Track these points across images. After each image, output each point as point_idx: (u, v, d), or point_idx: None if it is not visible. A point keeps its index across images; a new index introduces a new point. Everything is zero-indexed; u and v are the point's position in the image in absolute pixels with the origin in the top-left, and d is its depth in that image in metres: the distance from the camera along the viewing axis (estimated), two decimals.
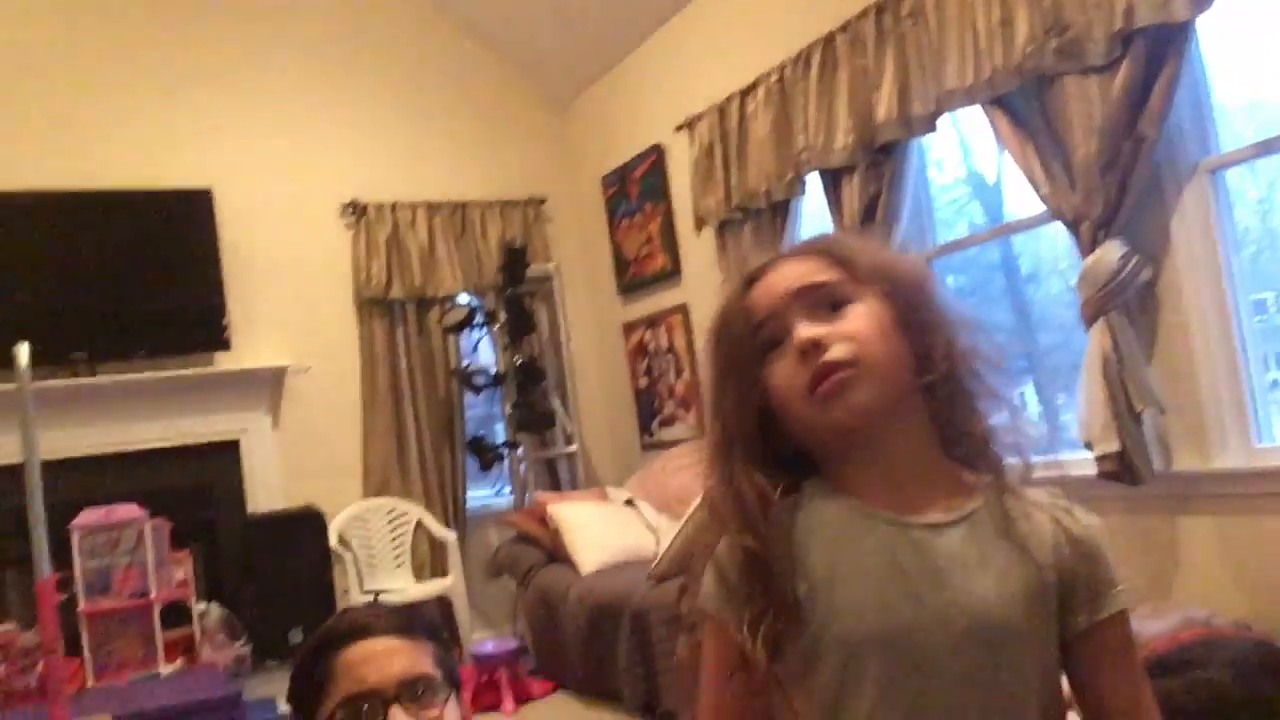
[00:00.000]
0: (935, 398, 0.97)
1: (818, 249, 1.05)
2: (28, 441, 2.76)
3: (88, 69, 4.80)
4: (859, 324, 0.96)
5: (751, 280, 1.05)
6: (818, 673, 0.93)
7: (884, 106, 3.50)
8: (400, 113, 5.50)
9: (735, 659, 0.97)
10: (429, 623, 1.20)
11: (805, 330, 0.96)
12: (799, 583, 0.94)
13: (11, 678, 3.97)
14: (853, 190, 3.69)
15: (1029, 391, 3.89)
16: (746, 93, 4.22)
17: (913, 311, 0.98)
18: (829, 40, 3.75)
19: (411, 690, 1.11)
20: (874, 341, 0.94)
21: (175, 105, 4.94)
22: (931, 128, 3.41)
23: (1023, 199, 3.40)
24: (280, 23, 5.25)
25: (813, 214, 4.25)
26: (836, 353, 0.94)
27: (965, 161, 4.15)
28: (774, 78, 4.05)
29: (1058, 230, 3.12)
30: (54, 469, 2.95)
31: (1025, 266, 4.07)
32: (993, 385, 0.99)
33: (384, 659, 1.12)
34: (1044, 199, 3.02)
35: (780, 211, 4.17)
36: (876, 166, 3.61)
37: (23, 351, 2.73)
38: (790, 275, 1.02)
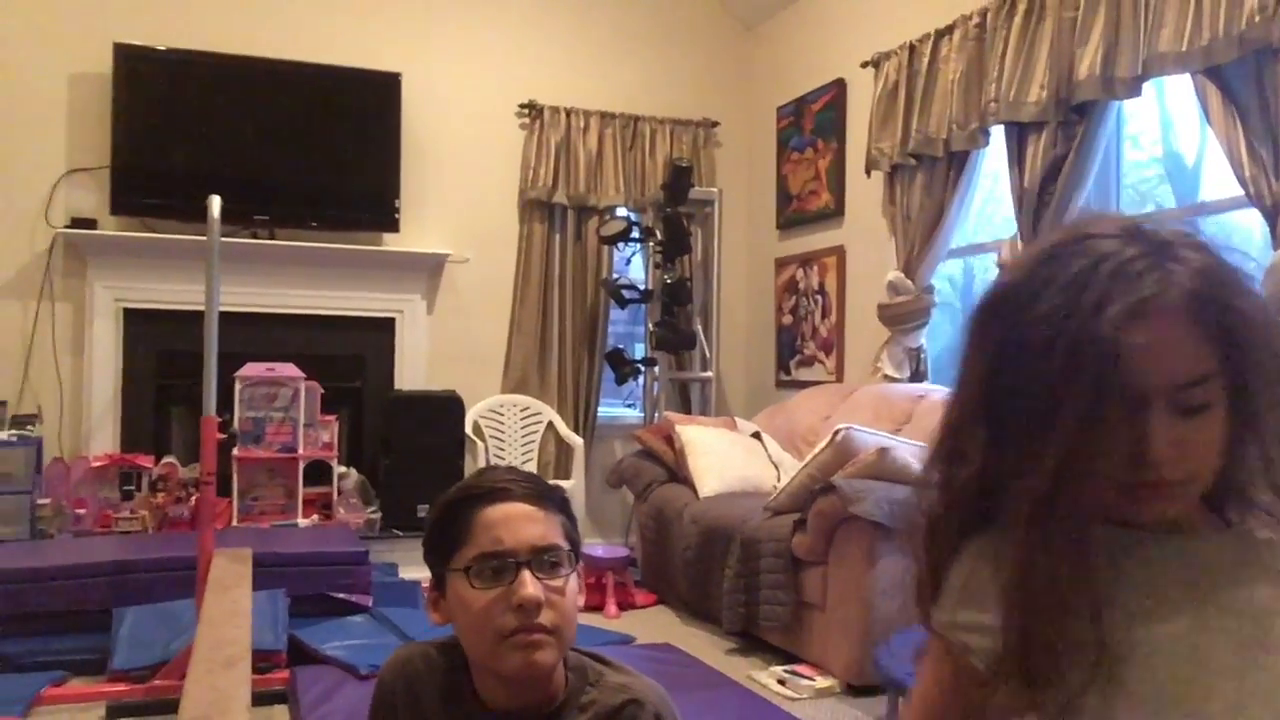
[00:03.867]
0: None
1: (1198, 312, 0.80)
2: (210, 289, 2.96)
3: None
4: (1210, 434, 0.81)
5: (1114, 311, 0.78)
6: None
7: (1086, 63, 3.30)
8: (586, 19, 5.52)
9: (968, 686, 0.89)
10: (561, 497, 1.24)
11: (1169, 432, 0.79)
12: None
13: (167, 505, 4.33)
14: (1039, 148, 3.52)
15: None
16: (942, 34, 4.06)
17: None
18: None
19: (541, 557, 1.16)
20: (1210, 457, 0.82)
21: None
22: (1135, 92, 3.20)
23: (1220, 185, 3.18)
24: None
25: (990, 171, 4.09)
26: (1171, 473, 0.80)
27: (1164, 140, 3.89)
28: (974, 21, 3.87)
29: (1254, 220, 2.91)
30: (226, 320, 3.15)
31: None
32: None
33: (520, 523, 1.17)
34: (1243, 181, 2.82)
35: (956, 163, 4.02)
36: (1068, 126, 3.43)
37: (214, 204, 2.92)
38: (1171, 354, 0.79)
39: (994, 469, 0.85)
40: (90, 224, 4.57)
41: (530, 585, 1.13)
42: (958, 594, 0.89)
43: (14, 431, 4.25)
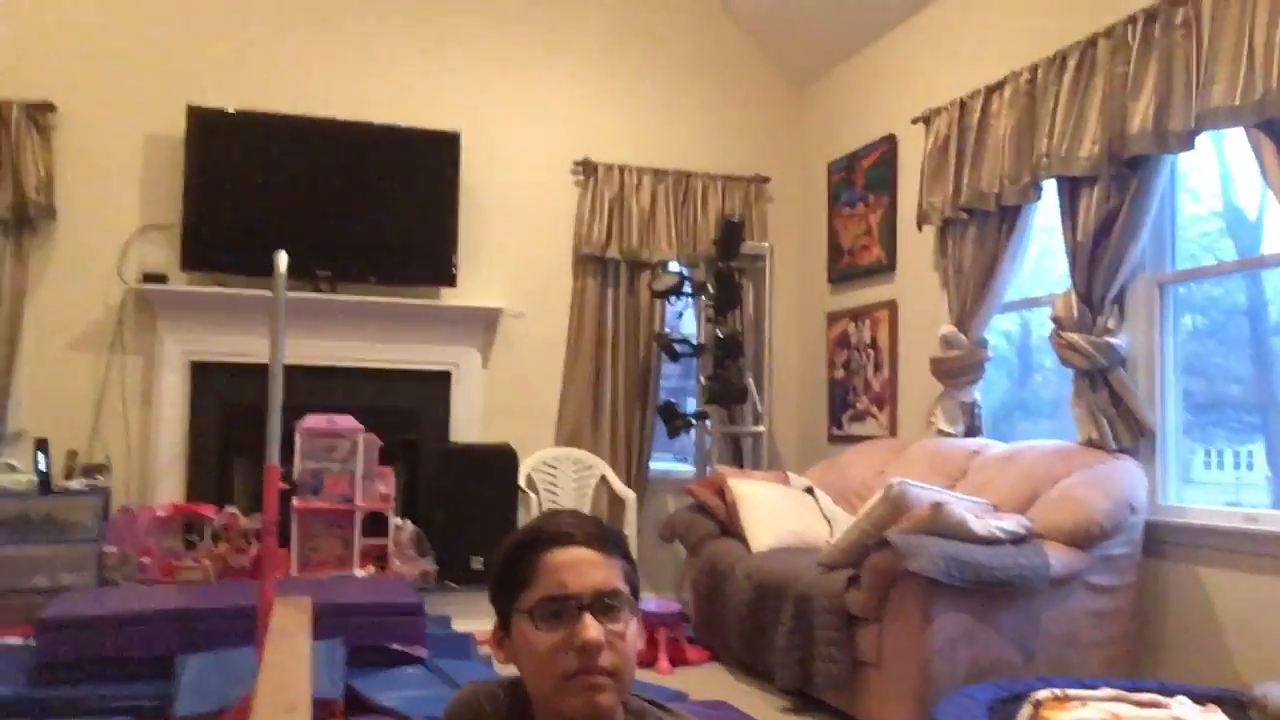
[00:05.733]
0: None
1: None
2: (275, 341, 3.04)
3: (366, 15, 5.19)
4: None
5: None
6: None
7: (1139, 118, 3.31)
8: (640, 79, 5.65)
9: None
10: (623, 542, 1.27)
11: None
12: None
13: (229, 555, 4.42)
14: (1091, 202, 3.52)
15: (1258, 450, 3.60)
16: (993, 90, 4.09)
17: None
18: (1090, 43, 3.57)
19: (603, 601, 1.19)
20: None
21: (436, 55, 5.29)
22: (1188, 145, 3.20)
23: None
24: None
25: (1042, 225, 4.08)
26: None
27: (1224, 192, 3.86)
28: (1024, 77, 3.90)
29: None
30: (288, 372, 3.22)
31: (1276, 314, 3.74)
32: None
33: (583, 568, 1.19)
34: None
35: (1009, 217, 4.03)
36: (1122, 180, 3.43)
37: (281, 259, 3.01)
38: None
39: None
40: (161, 279, 4.74)
41: (592, 628, 1.16)
42: None
43: (84, 481, 4.38)
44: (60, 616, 3.33)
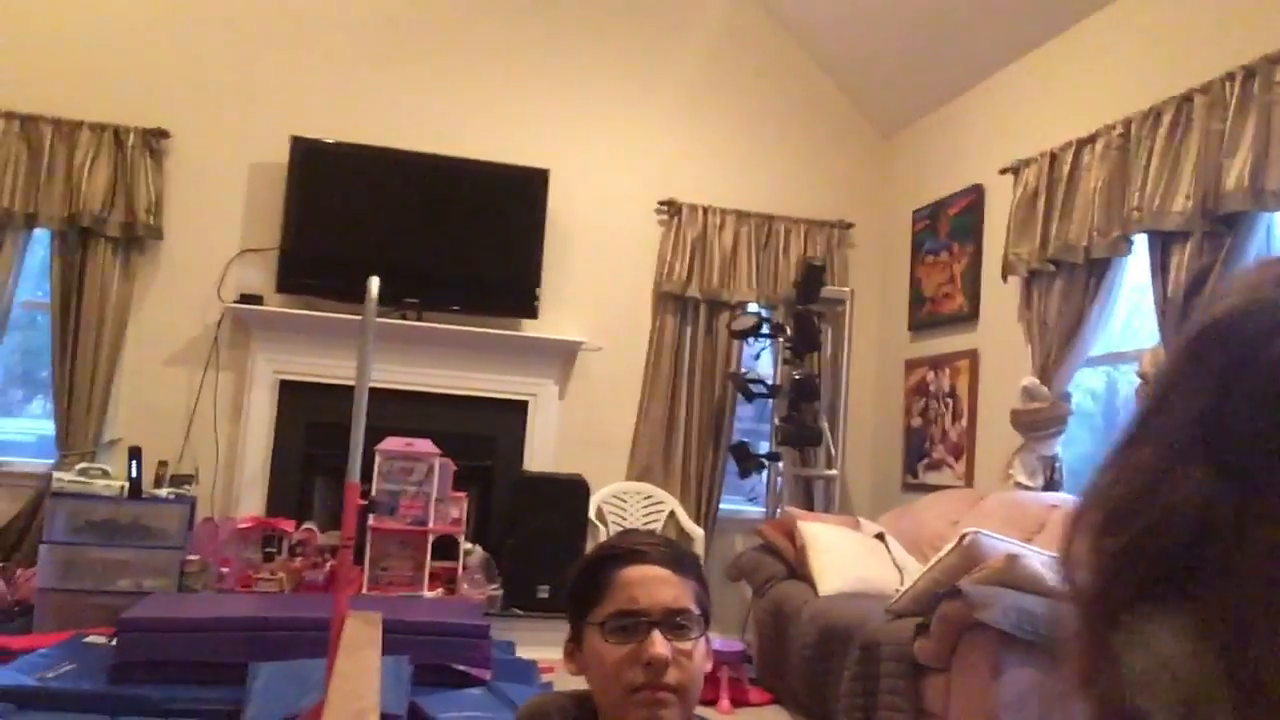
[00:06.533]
0: None
1: None
2: (363, 363, 3.14)
3: (464, 55, 5.37)
4: None
5: None
6: None
7: (1234, 175, 3.25)
8: (727, 122, 5.72)
9: None
10: (696, 563, 1.30)
11: None
12: None
13: (304, 569, 4.53)
14: (1183, 258, 3.45)
15: None
16: (1084, 143, 4.05)
17: None
18: (1185, 99, 3.52)
19: (673, 619, 1.21)
20: None
21: (529, 94, 5.43)
22: None
23: None
24: (620, 31, 5.61)
25: (1134, 283, 4.01)
26: None
27: None
28: (1117, 130, 3.85)
29: None
30: (371, 395, 3.30)
31: None
32: None
33: (655, 585, 1.23)
34: None
35: (1097, 270, 3.97)
36: (1216, 237, 3.36)
37: (374, 285, 3.11)
38: None
39: (1215, 517, 0.69)
40: (257, 300, 4.92)
41: (660, 645, 1.18)
42: (1153, 676, 0.70)
43: (172, 490, 4.54)
44: (140, 618, 3.45)
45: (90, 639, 3.74)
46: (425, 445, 4.69)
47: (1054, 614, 2.85)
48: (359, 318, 3.23)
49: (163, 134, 4.92)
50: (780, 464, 5.39)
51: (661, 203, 5.53)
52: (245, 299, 4.91)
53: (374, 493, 4.57)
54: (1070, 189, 4.10)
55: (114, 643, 3.44)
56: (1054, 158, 4.22)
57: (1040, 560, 3.06)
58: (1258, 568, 0.65)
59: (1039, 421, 4.19)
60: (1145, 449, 0.74)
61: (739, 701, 4.04)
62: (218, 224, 5.02)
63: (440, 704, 3.23)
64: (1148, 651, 0.68)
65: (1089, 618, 0.74)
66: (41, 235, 4.82)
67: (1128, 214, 3.73)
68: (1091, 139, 4.00)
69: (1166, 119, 3.59)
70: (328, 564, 4.52)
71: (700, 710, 1.30)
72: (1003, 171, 4.61)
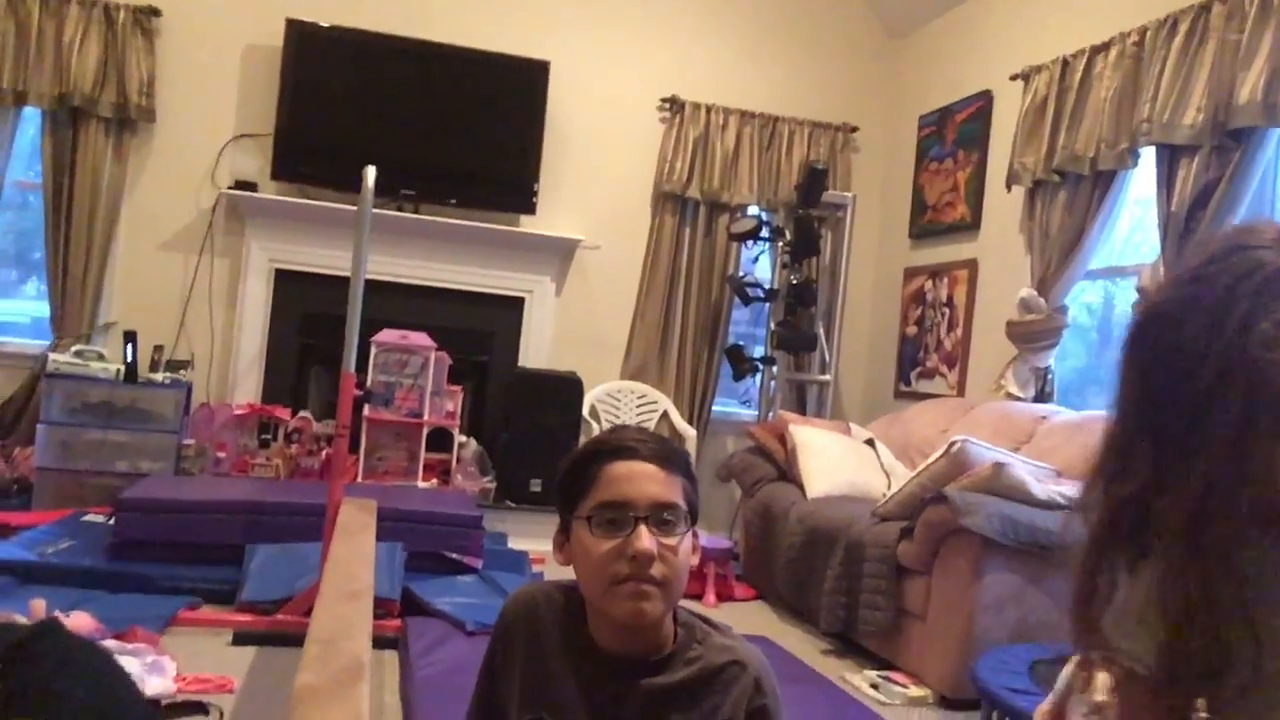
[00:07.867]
0: None
1: None
2: (358, 254, 3.12)
3: None
4: None
5: (1263, 329, 0.79)
6: None
7: (1248, 88, 3.19)
8: (733, 19, 5.57)
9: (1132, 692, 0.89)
10: (685, 460, 1.31)
11: None
12: None
13: (300, 456, 4.58)
14: (1190, 173, 3.42)
15: None
16: (1098, 50, 3.96)
17: None
18: (1204, 7, 3.43)
19: (660, 514, 1.23)
20: None
21: None
22: None
23: None
24: None
25: (1137, 198, 3.97)
26: None
27: None
28: (1132, 39, 3.77)
29: None
30: (367, 287, 3.28)
31: None
32: None
33: (642, 480, 1.24)
34: None
35: (1102, 182, 3.93)
36: (1224, 152, 3.31)
37: (370, 174, 3.08)
38: None
39: (1154, 484, 0.85)
40: (252, 187, 4.86)
41: (645, 539, 1.20)
42: (1121, 611, 0.88)
43: (168, 375, 4.56)
44: (138, 499, 3.51)
45: (89, 518, 3.80)
46: (421, 338, 4.70)
47: (1035, 521, 2.91)
48: (354, 208, 3.19)
49: (154, 12, 4.78)
50: (774, 368, 5.42)
51: (664, 100, 5.42)
52: (239, 185, 4.85)
53: (369, 384, 4.59)
54: (1080, 98, 4.02)
55: (113, 522, 3.50)
56: (1066, 64, 4.14)
57: (1027, 469, 3.11)
58: (1176, 519, 0.80)
59: (1034, 333, 4.21)
60: (1114, 427, 0.90)
61: (724, 596, 4.14)
62: (212, 107, 4.92)
63: (434, 590, 3.31)
64: (1120, 584, 0.87)
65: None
66: (32, 114, 4.73)
67: (1137, 125, 3.68)
68: (1105, 46, 3.92)
69: (1183, 28, 3.51)
70: (323, 452, 4.57)
71: (685, 603, 1.33)
72: (1013, 78, 4.52)
